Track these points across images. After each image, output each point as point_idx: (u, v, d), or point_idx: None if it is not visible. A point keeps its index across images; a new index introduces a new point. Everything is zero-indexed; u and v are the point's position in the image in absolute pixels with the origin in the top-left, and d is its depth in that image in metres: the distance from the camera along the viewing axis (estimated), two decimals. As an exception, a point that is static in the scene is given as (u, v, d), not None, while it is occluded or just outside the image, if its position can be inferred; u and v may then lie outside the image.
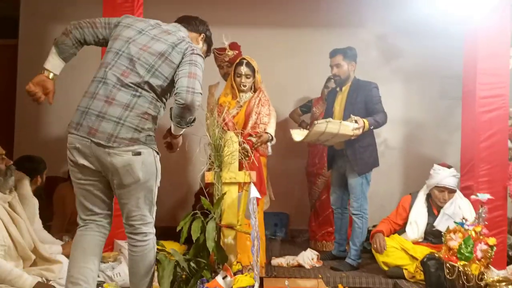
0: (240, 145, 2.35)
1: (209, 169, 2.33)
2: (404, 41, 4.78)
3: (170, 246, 2.34)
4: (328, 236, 4.04)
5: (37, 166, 2.89)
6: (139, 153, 1.94)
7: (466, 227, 2.59)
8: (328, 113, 3.36)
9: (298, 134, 3.00)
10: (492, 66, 3.24)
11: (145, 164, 1.97)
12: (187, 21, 2.25)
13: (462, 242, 2.54)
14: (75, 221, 3.96)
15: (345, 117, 3.16)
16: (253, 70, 3.26)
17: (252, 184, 2.17)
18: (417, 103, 4.88)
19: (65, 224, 3.94)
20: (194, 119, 2.05)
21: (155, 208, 2.10)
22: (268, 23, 4.79)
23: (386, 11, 4.69)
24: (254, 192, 2.05)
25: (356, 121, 2.99)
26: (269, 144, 3.29)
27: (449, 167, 3.20)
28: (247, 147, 2.92)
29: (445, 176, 3.13)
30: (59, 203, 3.94)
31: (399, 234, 3.29)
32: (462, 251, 2.53)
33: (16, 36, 4.78)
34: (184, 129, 2.08)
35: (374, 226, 4.07)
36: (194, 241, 2.11)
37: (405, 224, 3.26)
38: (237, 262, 2.38)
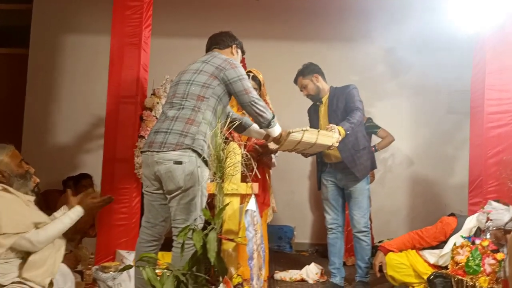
0: (243, 157, 2.34)
1: (211, 180, 2.33)
2: (412, 55, 4.78)
3: (168, 257, 2.33)
4: (348, 252, 3.98)
5: None
6: (180, 162, 2.17)
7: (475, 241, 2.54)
8: (314, 128, 3.21)
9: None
10: (500, 81, 3.21)
11: (186, 173, 2.17)
12: (216, 42, 2.55)
13: (470, 255, 2.48)
14: (80, 229, 4.00)
15: None
16: (259, 83, 3.26)
17: (253, 196, 2.15)
18: (424, 117, 4.85)
19: (69, 233, 3.93)
20: (273, 116, 2.42)
21: (200, 215, 2.23)
22: (275, 35, 4.82)
23: (393, 26, 4.70)
24: (251, 205, 2.04)
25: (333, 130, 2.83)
26: (273, 156, 3.27)
27: (507, 204, 2.82)
28: (256, 152, 2.87)
29: (510, 218, 2.75)
30: (63, 212, 3.96)
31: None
32: (469, 263, 2.48)
33: (26, 46, 4.85)
34: (276, 128, 2.47)
35: (380, 242, 4.01)
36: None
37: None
38: (238, 275, 2.35)
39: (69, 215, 2.21)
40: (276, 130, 2.50)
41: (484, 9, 3.20)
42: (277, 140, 2.58)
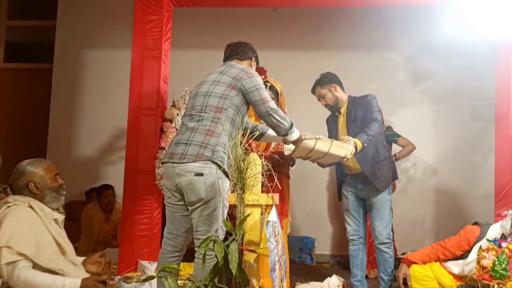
0: (263, 167, 2.33)
1: (231, 191, 2.33)
2: (433, 62, 4.71)
3: (190, 267, 2.33)
4: (370, 264, 3.92)
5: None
6: (201, 174, 2.18)
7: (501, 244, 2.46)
8: (334, 138, 3.03)
9: (287, 148, 2.89)
10: (526, 87, 3.14)
11: (206, 184, 2.18)
12: (237, 52, 2.56)
13: (496, 259, 2.41)
14: (102, 240, 4.06)
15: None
16: (276, 93, 3.26)
17: (274, 207, 2.14)
18: (448, 125, 4.76)
19: (92, 244, 4.00)
20: (292, 125, 2.41)
21: (221, 226, 2.23)
22: (292, 45, 4.83)
23: (413, 32, 4.66)
24: (272, 216, 2.02)
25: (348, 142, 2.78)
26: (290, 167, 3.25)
27: None
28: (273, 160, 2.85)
29: None
30: (87, 223, 4.02)
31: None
32: (496, 268, 2.39)
33: (51, 61, 4.99)
34: (294, 134, 2.45)
35: (403, 254, 3.92)
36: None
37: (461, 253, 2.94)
38: (259, 287, 2.33)
39: (64, 284, 2.00)
40: (294, 135, 2.47)
41: (507, 13, 3.14)
42: (296, 142, 2.56)
